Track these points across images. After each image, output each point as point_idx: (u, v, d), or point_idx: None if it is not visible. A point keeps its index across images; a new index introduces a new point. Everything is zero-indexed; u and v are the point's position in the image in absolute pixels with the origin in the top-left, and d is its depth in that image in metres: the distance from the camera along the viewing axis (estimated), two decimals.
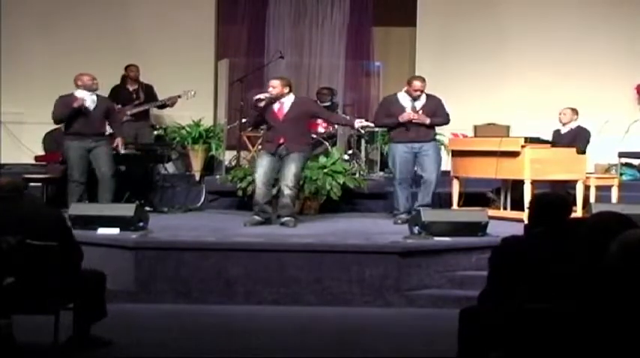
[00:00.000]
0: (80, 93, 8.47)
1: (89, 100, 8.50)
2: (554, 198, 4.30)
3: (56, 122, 8.83)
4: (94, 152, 8.48)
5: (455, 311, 4.21)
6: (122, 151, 8.74)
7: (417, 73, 11.34)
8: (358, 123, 8.39)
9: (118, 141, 8.71)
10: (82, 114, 8.45)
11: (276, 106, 7.97)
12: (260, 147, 8.23)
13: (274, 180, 8.04)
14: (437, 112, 8.43)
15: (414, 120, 8.27)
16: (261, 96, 7.96)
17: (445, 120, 8.55)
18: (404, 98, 8.40)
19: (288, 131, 7.88)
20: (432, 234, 7.10)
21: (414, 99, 8.34)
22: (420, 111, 8.31)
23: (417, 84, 8.34)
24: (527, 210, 7.78)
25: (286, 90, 7.98)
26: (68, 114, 8.50)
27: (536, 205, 4.23)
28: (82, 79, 8.52)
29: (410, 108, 8.33)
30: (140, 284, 6.57)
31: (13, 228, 4.62)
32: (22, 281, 4.63)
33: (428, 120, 8.30)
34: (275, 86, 7.96)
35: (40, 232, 4.66)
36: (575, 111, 9.22)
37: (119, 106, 9.70)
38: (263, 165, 7.94)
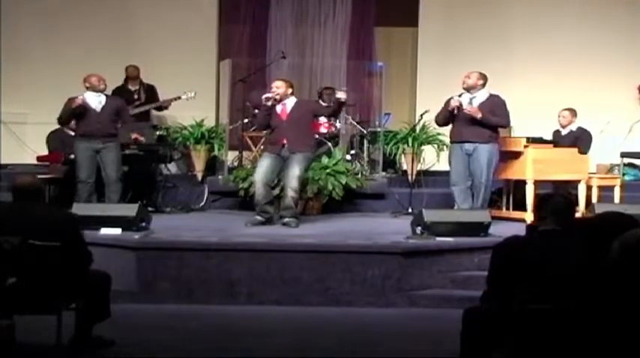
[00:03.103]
0: (87, 95, 8.45)
1: (95, 101, 8.48)
2: (559, 198, 4.30)
3: (60, 123, 8.84)
4: (102, 154, 8.43)
5: (457, 312, 4.20)
6: (143, 140, 8.73)
7: (419, 74, 11.42)
8: (341, 94, 7.99)
9: (136, 135, 8.68)
10: (89, 115, 8.43)
11: (279, 108, 7.99)
12: (262, 148, 8.19)
13: (275, 181, 8.04)
14: (495, 112, 8.09)
15: (466, 110, 8.04)
16: (269, 95, 7.95)
17: (503, 121, 8.17)
18: (464, 96, 8.21)
19: (291, 132, 7.90)
20: (435, 234, 7.10)
21: (465, 92, 8.14)
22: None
23: (466, 75, 8.17)
24: (529, 211, 7.86)
25: (289, 91, 8.00)
26: (68, 116, 8.53)
27: (540, 205, 4.23)
28: (89, 80, 8.51)
29: (466, 104, 8.14)
30: (142, 285, 6.57)
31: (27, 228, 4.62)
32: (25, 281, 4.63)
33: (479, 114, 7.98)
34: (279, 86, 7.98)
35: (52, 233, 4.66)
36: (573, 113, 9.18)
37: None
38: (263, 166, 7.95)
